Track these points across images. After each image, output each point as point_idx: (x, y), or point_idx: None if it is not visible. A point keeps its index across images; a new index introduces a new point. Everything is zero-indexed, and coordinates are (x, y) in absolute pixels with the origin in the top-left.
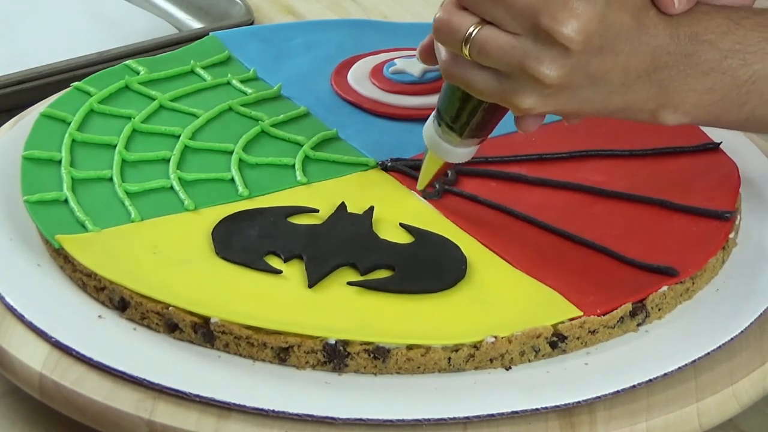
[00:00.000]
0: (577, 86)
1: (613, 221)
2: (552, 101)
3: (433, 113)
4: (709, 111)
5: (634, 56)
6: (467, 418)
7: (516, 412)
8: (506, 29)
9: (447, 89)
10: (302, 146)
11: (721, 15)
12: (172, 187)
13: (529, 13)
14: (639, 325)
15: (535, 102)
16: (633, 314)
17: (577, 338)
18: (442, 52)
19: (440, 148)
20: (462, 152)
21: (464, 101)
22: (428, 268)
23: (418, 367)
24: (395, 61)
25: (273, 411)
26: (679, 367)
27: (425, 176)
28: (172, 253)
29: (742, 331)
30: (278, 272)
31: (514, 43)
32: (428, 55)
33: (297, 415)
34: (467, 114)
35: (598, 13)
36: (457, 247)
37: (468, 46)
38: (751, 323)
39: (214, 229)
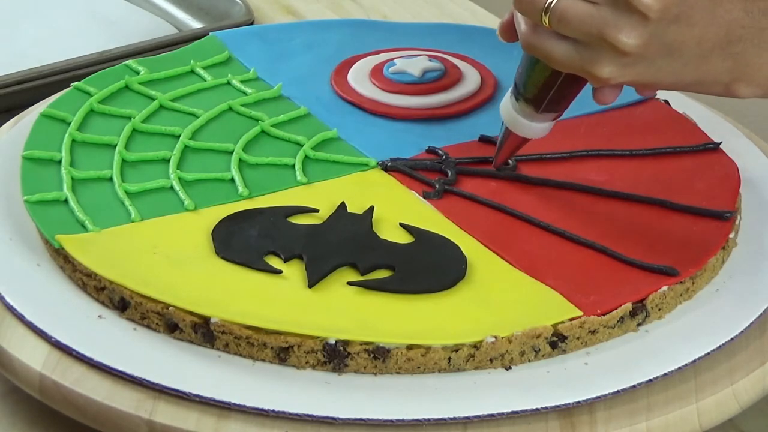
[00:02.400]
0: (653, 56)
1: (613, 221)
2: (629, 71)
3: (511, 89)
4: None
5: (709, 28)
6: (467, 418)
7: (516, 412)
8: None
9: (526, 62)
10: (302, 146)
11: None
12: (172, 187)
13: None
14: (639, 325)
15: (613, 71)
16: (633, 314)
17: (577, 338)
18: (521, 23)
19: (517, 123)
20: (538, 127)
21: (543, 74)
22: (428, 268)
23: (418, 367)
24: (395, 61)
25: (273, 411)
26: (679, 367)
27: (502, 152)
28: (172, 253)
29: (742, 331)
30: (278, 272)
31: (593, 12)
32: (508, 31)
33: (297, 415)
34: (545, 87)
35: None
36: (457, 247)
37: (548, 14)
38: (751, 323)
39: (214, 229)
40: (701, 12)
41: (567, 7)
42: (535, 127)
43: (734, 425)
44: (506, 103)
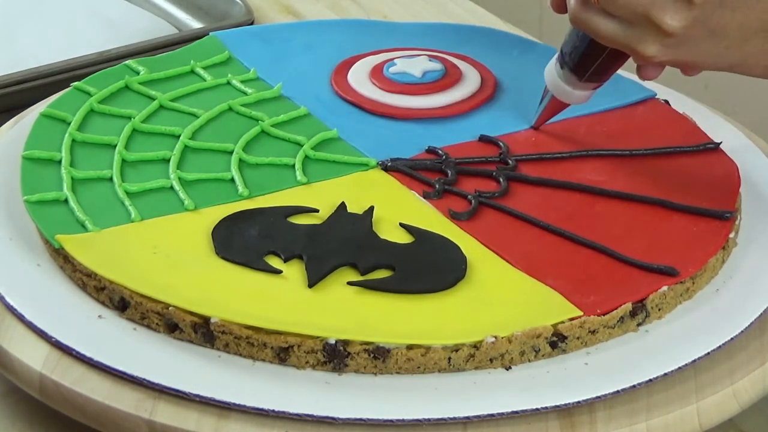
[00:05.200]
0: (696, 38)
1: (613, 221)
2: (672, 51)
3: (556, 55)
4: None
5: (751, 13)
6: (467, 418)
7: (516, 412)
8: None
9: (573, 33)
10: (302, 146)
11: None
12: (172, 187)
13: None
14: (639, 325)
15: (657, 51)
16: (633, 314)
17: (577, 338)
18: None
19: (560, 89)
20: (580, 95)
21: (588, 46)
22: (428, 268)
23: (418, 367)
24: (395, 61)
25: (273, 411)
26: (679, 367)
27: (543, 116)
28: (172, 253)
29: (742, 331)
30: (278, 272)
31: None
32: (558, 3)
33: (297, 415)
34: (590, 59)
35: None
36: (457, 247)
37: None
38: (751, 323)
39: (214, 229)
40: None
41: None
42: (576, 94)
43: (734, 425)
44: (551, 68)
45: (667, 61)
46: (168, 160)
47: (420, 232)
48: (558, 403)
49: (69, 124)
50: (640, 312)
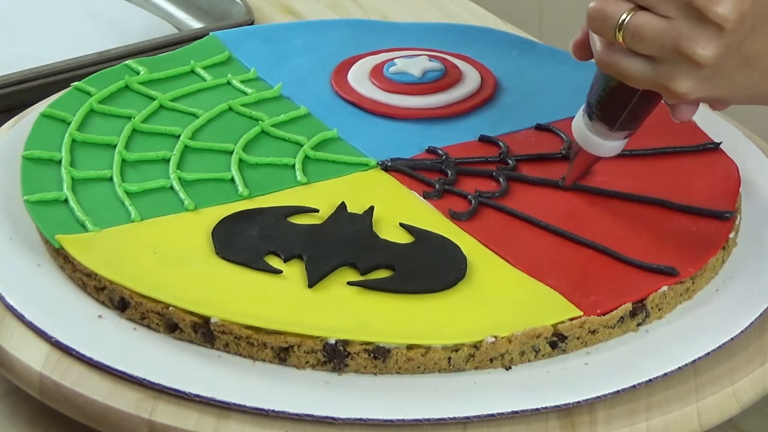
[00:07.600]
0: (730, 68)
1: (613, 221)
2: (707, 85)
3: (583, 107)
4: None
5: None
6: (467, 418)
7: (516, 412)
8: (659, 13)
9: (600, 81)
10: (302, 146)
11: None
12: (172, 187)
13: None
14: (639, 325)
15: (691, 86)
16: (633, 314)
17: (577, 338)
18: (596, 43)
19: (590, 141)
20: (611, 146)
21: (617, 92)
22: (428, 268)
23: (418, 367)
24: (395, 61)
25: (273, 411)
26: (679, 367)
27: (575, 171)
28: (172, 253)
29: (742, 331)
30: (278, 272)
31: (667, 26)
32: (582, 49)
33: (297, 415)
34: (620, 106)
35: None
36: (457, 247)
37: (622, 32)
38: (751, 323)
39: (214, 229)
40: None
41: (641, 22)
42: (607, 146)
43: (734, 425)
44: (578, 121)
45: (702, 98)
46: (168, 160)
47: (420, 232)
48: (558, 403)
49: (69, 124)
50: (640, 312)
